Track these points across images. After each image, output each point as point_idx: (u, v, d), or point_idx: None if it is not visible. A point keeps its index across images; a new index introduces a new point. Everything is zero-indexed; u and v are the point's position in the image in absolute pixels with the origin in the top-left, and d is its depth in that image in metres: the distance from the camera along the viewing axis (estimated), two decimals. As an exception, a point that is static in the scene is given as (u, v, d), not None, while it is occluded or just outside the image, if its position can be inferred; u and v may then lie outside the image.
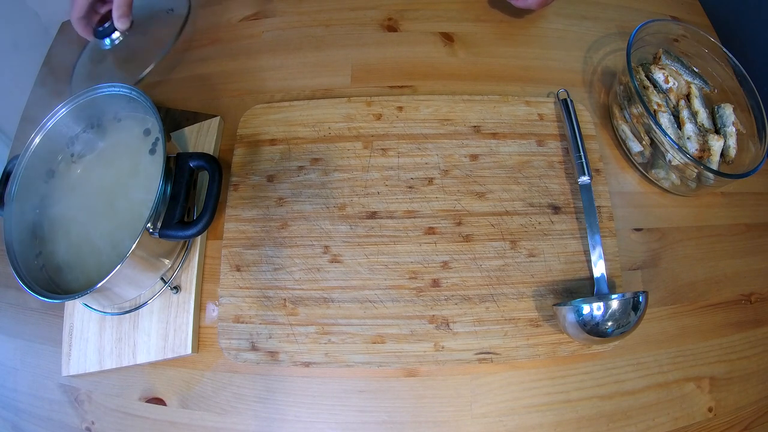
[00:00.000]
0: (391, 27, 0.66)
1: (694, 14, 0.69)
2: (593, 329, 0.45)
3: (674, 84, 0.59)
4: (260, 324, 0.51)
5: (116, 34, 0.61)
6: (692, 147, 0.54)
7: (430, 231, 0.53)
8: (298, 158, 0.57)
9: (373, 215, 0.54)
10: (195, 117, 0.61)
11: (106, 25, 0.60)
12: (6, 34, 0.72)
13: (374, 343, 0.49)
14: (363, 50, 0.64)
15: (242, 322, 0.51)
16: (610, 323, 0.45)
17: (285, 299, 0.51)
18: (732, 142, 0.56)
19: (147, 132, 0.53)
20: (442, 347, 0.49)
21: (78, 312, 0.54)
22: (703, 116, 0.57)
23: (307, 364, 0.49)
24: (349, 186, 0.55)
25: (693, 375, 0.50)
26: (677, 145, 0.51)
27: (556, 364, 0.49)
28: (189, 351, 0.50)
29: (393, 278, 0.51)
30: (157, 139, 0.52)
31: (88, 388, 0.53)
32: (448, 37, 0.65)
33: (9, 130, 0.70)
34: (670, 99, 0.58)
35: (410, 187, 0.55)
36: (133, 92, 0.51)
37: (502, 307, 0.50)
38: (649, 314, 0.51)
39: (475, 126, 0.58)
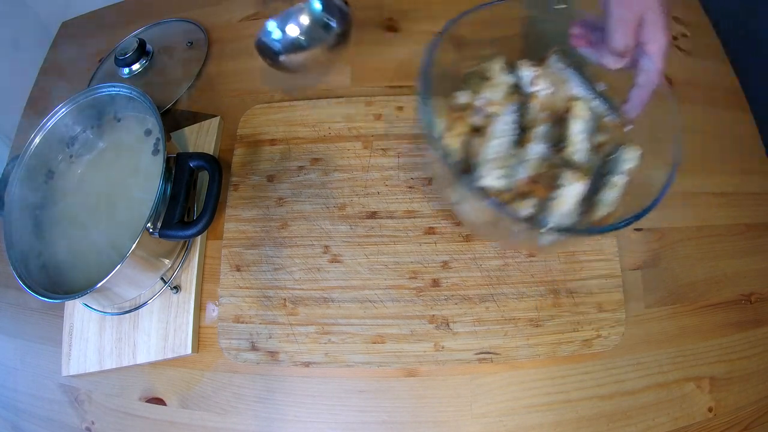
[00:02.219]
0: (391, 27, 0.66)
1: (694, 14, 0.69)
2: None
3: (547, 90, 0.45)
4: (260, 324, 0.51)
5: (136, 66, 0.63)
6: (522, 172, 0.42)
7: (430, 231, 0.53)
8: (298, 158, 0.57)
9: (373, 215, 0.54)
10: (195, 117, 0.61)
11: (128, 55, 0.62)
12: (6, 33, 0.72)
13: (374, 343, 0.49)
14: (363, 50, 0.64)
15: (242, 322, 0.51)
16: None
17: (285, 299, 0.51)
18: (610, 195, 0.42)
19: (148, 132, 0.53)
20: (442, 347, 0.49)
21: (78, 312, 0.54)
22: (580, 146, 0.43)
23: (307, 364, 0.49)
24: (349, 186, 0.55)
25: (693, 375, 0.50)
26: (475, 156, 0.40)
27: (556, 364, 0.49)
28: (189, 351, 0.50)
29: (393, 278, 0.51)
30: (158, 139, 0.52)
31: (88, 388, 0.53)
32: (448, 37, 0.65)
33: (9, 130, 0.70)
34: (528, 106, 0.45)
35: (410, 187, 0.55)
36: (133, 92, 0.51)
37: (502, 307, 0.50)
38: (649, 314, 0.51)
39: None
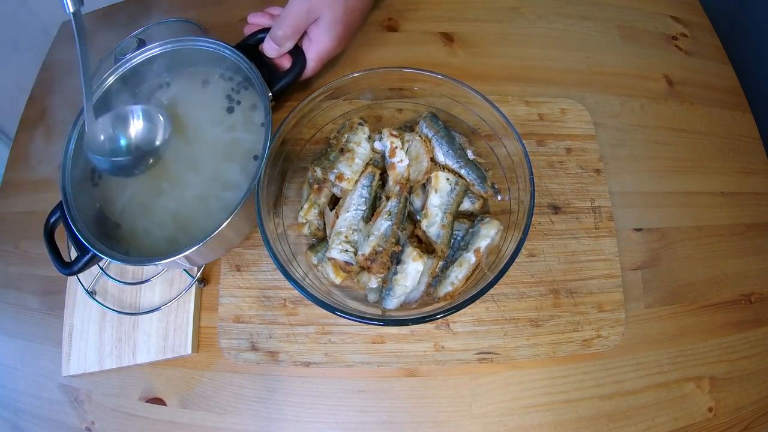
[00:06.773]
0: (391, 27, 0.66)
1: (694, 14, 0.69)
2: None
3: (403, 161, 0.45)
4: (260, 324, 0.51)
5: None
6: (364, 248, 0.43)
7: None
8: (299, 158, 0.57)
9: (373, 215, 0.54)
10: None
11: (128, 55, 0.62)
12: (6, 34, 0.72)
13: (374, 343, 0.49)
14: (363, 50, 0.64)
15: (242, 322, 0.51)
16: None
17: (285, 299, 0.51)
18: (458, 274, 0.43)
19: (228, 84, 0.54)
20: (442, 347, 0.49)
21: (78, 312, 0.54)
22: (435, 218, 0.44)
23: (307, 364, 0.49)
24: (349, 186, 0.55)
25: (693, 375, 0.50)
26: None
27: (556, 364, 0.49)
28: (189, 351, 0.50)
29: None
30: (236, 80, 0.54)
31: (88, 388, 0.53)
32: (448, 37, 0.65)
33: (9, 130, 0.70)
34: (385, 178, 0.47)
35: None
36: (220, 47, 0.52)
37: (502, 307, 0.50)
38: (649, 314, 0.52)
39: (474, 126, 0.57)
